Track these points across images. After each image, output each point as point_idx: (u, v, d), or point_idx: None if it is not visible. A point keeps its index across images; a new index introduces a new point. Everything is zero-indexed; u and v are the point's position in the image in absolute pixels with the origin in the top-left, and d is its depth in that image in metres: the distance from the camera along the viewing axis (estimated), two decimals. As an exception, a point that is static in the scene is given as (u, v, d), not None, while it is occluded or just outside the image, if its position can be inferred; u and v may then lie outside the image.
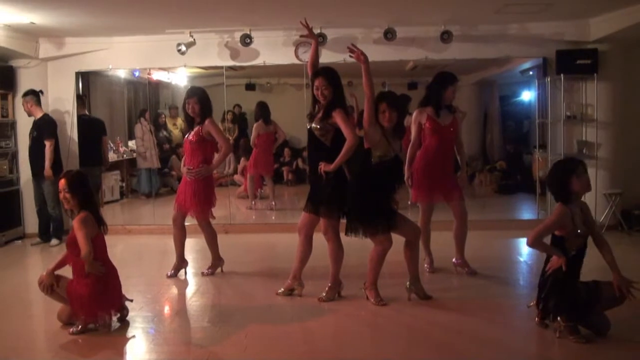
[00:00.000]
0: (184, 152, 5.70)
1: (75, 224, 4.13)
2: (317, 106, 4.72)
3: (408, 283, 4.77)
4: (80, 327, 4.15)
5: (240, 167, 10.24)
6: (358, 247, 4.85)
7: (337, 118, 4.53)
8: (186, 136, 5.60)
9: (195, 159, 5.46)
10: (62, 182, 4.25)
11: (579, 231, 3.91)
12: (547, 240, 4.01)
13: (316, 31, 7.38)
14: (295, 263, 4.90)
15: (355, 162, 4.59)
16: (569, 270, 3.86)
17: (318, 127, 4.63)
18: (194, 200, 5.47)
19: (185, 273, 5.73)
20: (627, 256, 5.88)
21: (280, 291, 4.96)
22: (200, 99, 5.46)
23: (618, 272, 3.88)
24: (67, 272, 4.31)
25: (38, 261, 6.77)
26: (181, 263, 5.70)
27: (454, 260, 5.58)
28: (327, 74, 4.64)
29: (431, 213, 5.51)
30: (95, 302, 4.16)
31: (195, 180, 5.45)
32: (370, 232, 4.53)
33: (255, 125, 9.10)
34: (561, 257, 3.86)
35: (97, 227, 4.26)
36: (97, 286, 4.16)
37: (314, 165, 4.70)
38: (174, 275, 5.65)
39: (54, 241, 7.27)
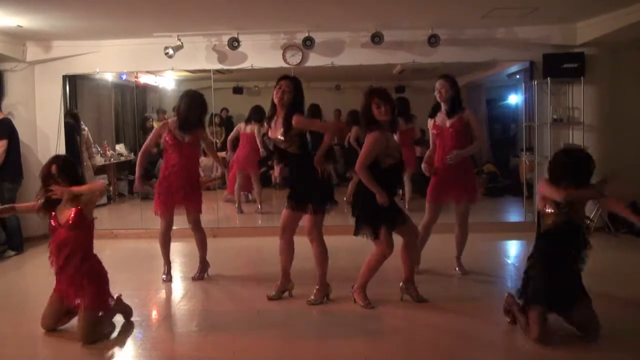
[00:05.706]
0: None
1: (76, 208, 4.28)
2: (274, 115, 4.72)
3: (402, 283, 4.80)
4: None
5: (227, 169, 10.15)
6: (347, 249, 4.84)
7: (299, 124, 4.55)
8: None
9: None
10: (54, 168, 4.14)
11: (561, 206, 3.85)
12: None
13: (304, 35, 7.42)
14: (283, 263, 4.89)
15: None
16: (550, 257, 3.90)
17: (283, 139, 4.61)
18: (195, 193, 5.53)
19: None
20: (614, 258, 5.93)
21: (272, 294, 4.93)
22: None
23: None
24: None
25: (21, 266, 6.71)
26: (170, 265, 5.71)
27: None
28: (293, 80, 4.69)
29: (436, 215, 5.46)
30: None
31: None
32: (375, 232, 4.49)
33: (242, 125, 8.95)
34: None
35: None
36: (102, 268, 4.30)
37: (291, 173, 4.77)
38: (169, 279, 5.64)
39: (10, 252, 6.94)
